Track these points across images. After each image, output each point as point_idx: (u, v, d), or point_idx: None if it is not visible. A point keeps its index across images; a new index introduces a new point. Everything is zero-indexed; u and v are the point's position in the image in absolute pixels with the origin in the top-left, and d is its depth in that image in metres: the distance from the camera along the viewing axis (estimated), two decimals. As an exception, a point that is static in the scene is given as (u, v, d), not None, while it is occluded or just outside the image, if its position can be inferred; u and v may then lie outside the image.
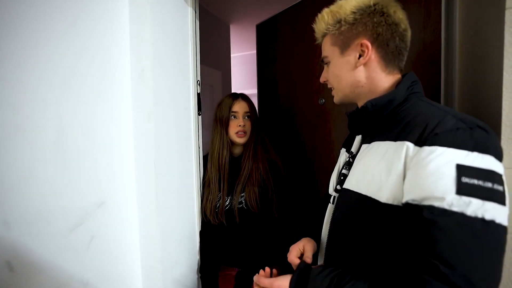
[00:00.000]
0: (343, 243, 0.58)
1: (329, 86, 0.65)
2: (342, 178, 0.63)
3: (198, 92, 1.04)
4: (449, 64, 0.86)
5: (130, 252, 0.84)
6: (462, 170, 0.40)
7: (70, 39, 0.82)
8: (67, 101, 0.83)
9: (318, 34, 0.64)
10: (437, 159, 0.42)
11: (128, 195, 0.84)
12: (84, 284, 0.81)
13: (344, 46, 0.58)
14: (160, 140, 0.85)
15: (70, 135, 0.82)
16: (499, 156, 0.42)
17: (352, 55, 0.57)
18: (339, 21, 0.57)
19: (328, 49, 0.61)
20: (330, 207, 0.64)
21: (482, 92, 0.68)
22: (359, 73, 0.57)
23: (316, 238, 0.70)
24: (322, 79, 0.66)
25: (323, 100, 1.19)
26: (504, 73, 0.55)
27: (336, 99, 0.64)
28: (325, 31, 0.60)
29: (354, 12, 0.56)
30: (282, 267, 1.04)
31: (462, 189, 0.39)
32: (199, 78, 1.05)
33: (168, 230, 0.87)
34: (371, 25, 0.55)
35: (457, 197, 0.39)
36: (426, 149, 0.43)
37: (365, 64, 0.57)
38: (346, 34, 0.57)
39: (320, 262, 0.66)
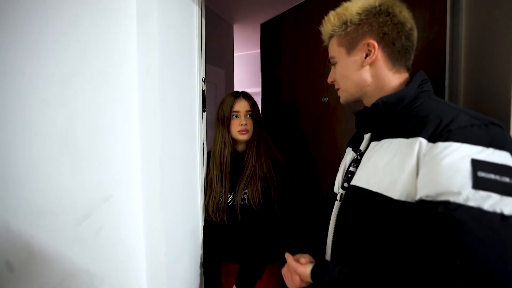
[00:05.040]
0: (349, 239, 0.57)
1: (336, 86, 0.66)
2: (349, 175, 0.63)
3: (203, 89, 1.05)
4: (454, 62, 0.86)
5: (135, 245, 0.85)
6: (477, 164, 0.39)
7: (73, 37, 0.83)
8: (75, 97, 0.84)
9: (325, 36, 0.65)
10: (452, 154, 0.41)
11: (134, 189, 0.86)
12: (91, 275, 0.83)
13: (350, 47, 0.59)
14: (166, 135, 0.86)
15: (78, 130, 0.84)
16: None
17: (358, 55, 0.58)
18: (345, 23, 0.59)
19: (335, 50, 0.62)
20: (337, 205, 0.64)
21: (489, 89, 0.68)
22: (365, 72, 0.58)
23: (314, 249, 0.70)
24: (329, 79, 0.67)
25: (327, 99, 1.20)
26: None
27: (342, 99, 0.65)
28: (332, 32, 0.62)
29: (359, 13, 0.57)
30: (283, 263, 1.05)
31: (479, 184, 0.39)
32: (204, 75, 1.06)
33: (172, 224, 0.88)
34: (376, 25, 0.56)
35: (473, 191, 0.38)
36: (440, 145, 0.43)
37: (371, 64, 0.57)
38: (352, 35, 0.58)
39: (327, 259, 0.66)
